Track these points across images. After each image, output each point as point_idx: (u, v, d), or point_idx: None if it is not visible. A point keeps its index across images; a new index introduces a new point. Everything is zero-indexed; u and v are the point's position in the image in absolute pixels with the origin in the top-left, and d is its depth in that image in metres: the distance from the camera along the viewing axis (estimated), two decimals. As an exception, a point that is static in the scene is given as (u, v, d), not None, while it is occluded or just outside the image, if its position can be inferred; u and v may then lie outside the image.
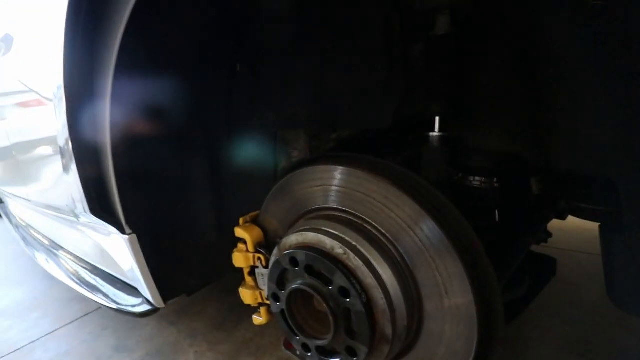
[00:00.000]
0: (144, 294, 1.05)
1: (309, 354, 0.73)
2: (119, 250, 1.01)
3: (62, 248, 1.62)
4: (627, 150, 0.65)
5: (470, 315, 0.62)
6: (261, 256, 0.85)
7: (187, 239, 1.07)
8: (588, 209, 1.00)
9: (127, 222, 0.89)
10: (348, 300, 0.64)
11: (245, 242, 0.87)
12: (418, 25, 0.93)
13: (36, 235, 1.90)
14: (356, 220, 0.71)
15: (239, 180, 1.15)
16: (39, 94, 1.01)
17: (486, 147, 0.94)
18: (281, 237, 0.85)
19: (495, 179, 0.95)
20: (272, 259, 0.79)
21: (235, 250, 0.88)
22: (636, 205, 0.64)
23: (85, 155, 0.81)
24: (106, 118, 0.75)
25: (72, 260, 1.50)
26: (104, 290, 1.25)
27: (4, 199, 2.43)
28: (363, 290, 0.63)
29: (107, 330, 1.48)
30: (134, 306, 1.08)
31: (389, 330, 0.64)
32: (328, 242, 0.67)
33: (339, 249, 0.66)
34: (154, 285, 0.98)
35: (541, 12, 0.77)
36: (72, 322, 1.56)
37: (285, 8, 0.92)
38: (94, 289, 1.29)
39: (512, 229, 1.01)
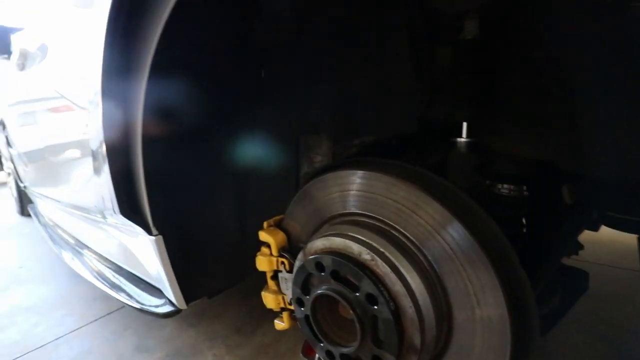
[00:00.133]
0: (167, 295, 1.06)
1: (333, 362, 0.72)
2: (144, 251, 1.03)
3: (87, 247, 1.67)
4: None
5: (503, 328, 0.60)
6: (285, 260, 0.85)
7: (210, 241, 1.08)
8: (624, 219, 0.96)
9: (154, 224, 0.91)
10: (375, 307, 0.62)
11: (269, 246, 0.86)
12: (445, 29, 0.92)
13: (63, 234, 1.97)
14: (383, 226, 0.70)
15: (261, 184, 1.16)
16: (73, 100, 1.05)
17: (516, 154, 0.91)
18: (305, 242, 0.85)
19: (524, 187, 0.92)
20: (297, 264, 0.78)
21: (258, 253, 0.88)
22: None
23: (117, 157, 0.84)
24: (138, 121, 0.77)
25: (97, 260, 1.54)
26: (127, 290, 1.28)
27: (34, 199, 2.53)
28: (391, 297, 0.62)
29: (129, 329, 1.51)
30: (157, 306, 1.09)
31: (417, 340, 0.62)
32: (355, 248, 0.67)
33: (366, 255, 0.65)
34: (177, 286, 0.99)
35: (575, 16, 0.75)
36: (96, 320, 1.59)
37: (309, 13, 0.93)
38: (117, 288, 1.32)
39: (543, 239, 0.98)
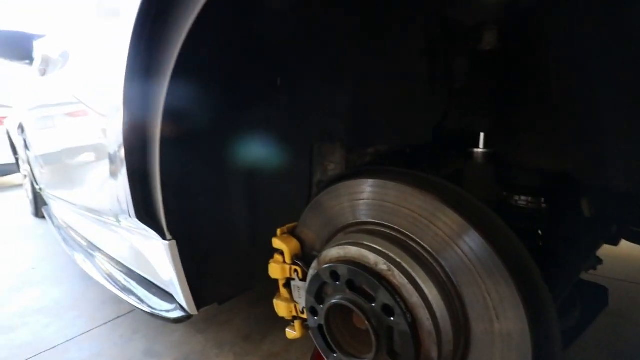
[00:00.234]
0: (178, 300, 1.06)
1: (346, 373, 0.71)
2: (157, 255, 1.03)
3: (99, 249, 1.69)
4: None
5: (524, 344, 0.58)
6: (298, 268, 0.84)
7: (221, 247, 1.08)
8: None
9: (168, 228, 0.91)
10: (392, 318, 0.61)
11: (282, 253, 0.86)
12: (463, 39, 0.91)
13: (75, 236, 2.00)
14: (399, 236, 0.69)
15: (273, 191, 1.16)
16: (94, 104, 1.07)
17: (534, 165, 0.90)
18: (318, 250, 0.84)
19: (542, 199, 0.90)
20: (311, 272, 0.78)
21: (271, 261, 0.88)
22: None
23: (135, 161, 0.85)
24: (157, 125, 0.78)
25: (109, 262, 1.55)
26: (138, 294, 1.28)
27: (48, 201, 2.58)
28: (408, 309, 0.61)
29: (138, 334, 1.51)
30: (167, 311, 1.09)
31: (434, 354, 0.60)
32: (371, 258, 0.66)
33: (383, 265, 0.64)
34: (189, 292, 0.99)
35: (595, 28, 0.74)
36: (106, 323, 1.60)
37: (325, 22, 0.94)
38: (128, 291, 1.32)
39: (561, 253, 0.95)
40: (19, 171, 4.11)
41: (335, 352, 0.72)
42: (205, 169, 0.99)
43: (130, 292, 1.31)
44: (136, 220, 0.93)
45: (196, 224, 1.00)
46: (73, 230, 2.06)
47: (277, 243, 0.86)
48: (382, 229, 0.71)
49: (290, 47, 0.96)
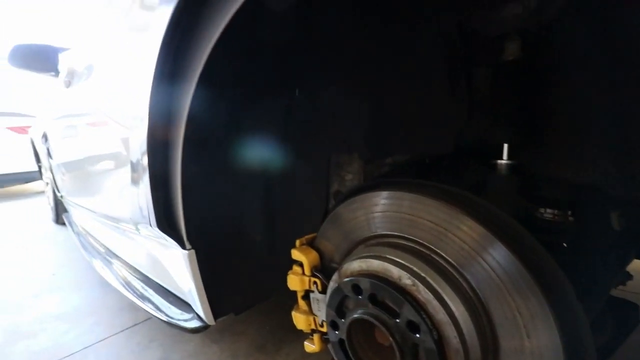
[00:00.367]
0: (196, 310, 1.06)
1: (368, 390, 0.69)
2: (175, 265, 1.04)
3: (118, 257, 1.71)
4: None
5: (557, 365, 0.55)
6: (317, 280, 0.83)
7: (240, 258, 1.08)
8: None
9: (188, 238, 0.92)
10: (417, 335, 0.60)
11: (301, 265, 0.85)
12: (484, 50, 0.90)
13: (94, 243, 2.03)
14: (423, 250, 0.68)
15: (290, 201, 1.16)
16: (119, 114, 1.09)
17: (560, 177, 0.87)
18: (338, 263, 0.83)
19: (569, 212, 0.87)
20: (331, 285, 0.77)
21: (290, 272, 0.87)
22: None
23: (157, 170, 0.86)
24: (180, 133, 0.79)
25: (127, 270, 1.57)
26: (155, 302, 1.29)
27: (69, 208, 2.64)
28: (434, 326, 0.59)
29: (154, 342, 1.51)
30: (185, 321, 1.09)
31: (461, 373, 0.58)
32: (395, 272, 0.64)
33: (407, 280, 0.63)
34: (207, 302, 0.99)
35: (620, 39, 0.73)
36: (123, 330, 1.61)
37: (344, 31, 0.94)
38: (145, 299, 1.33)
39: (589, 268, 0.92)
40: (41, 178, 4.24)
41: (356, 368, 0.70)
42: (223, 177, 1.00)
43: (147, 299, 1.32)
44: (156, 229, 0.94)
45: (215, 234, 1.00)
46: (92, 237, 2.09)
47: (296, 254, 0.86)
48: (405, 242, 0.70)
49: (309, 57, 0.96)
